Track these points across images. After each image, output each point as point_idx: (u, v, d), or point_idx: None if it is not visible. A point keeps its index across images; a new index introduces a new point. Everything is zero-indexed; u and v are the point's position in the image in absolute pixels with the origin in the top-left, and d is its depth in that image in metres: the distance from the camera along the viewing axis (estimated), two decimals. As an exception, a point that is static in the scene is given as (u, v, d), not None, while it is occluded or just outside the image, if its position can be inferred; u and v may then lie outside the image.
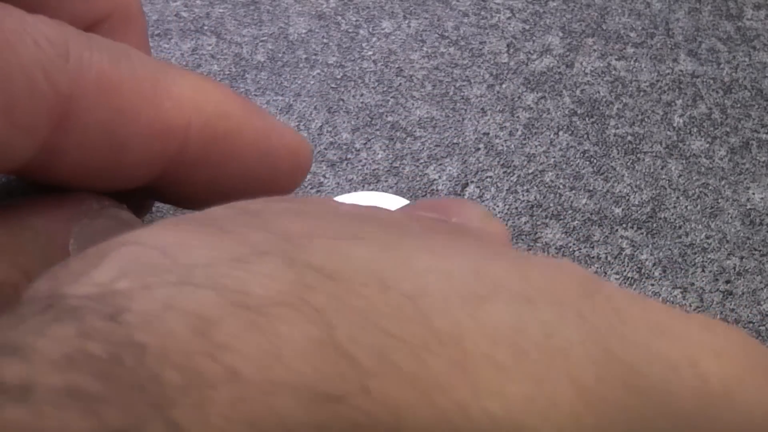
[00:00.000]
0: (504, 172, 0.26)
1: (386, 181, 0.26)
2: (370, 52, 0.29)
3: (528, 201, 0.26)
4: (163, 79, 0.17)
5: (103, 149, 0.16)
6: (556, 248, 0.25)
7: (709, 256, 0.25)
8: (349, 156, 0.27)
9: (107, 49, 0.16)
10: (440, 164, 0.26)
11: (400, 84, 0.28)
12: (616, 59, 0.29)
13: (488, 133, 0.27)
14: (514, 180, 0.26)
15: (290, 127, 0.21)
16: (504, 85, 0.28)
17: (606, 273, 0.25)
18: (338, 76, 0.28)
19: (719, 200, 0.26)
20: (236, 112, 0.19)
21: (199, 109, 0.18)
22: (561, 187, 0.26)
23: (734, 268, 0.25)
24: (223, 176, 0.19)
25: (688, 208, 0.26)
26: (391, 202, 0.25)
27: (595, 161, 0.27)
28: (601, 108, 0.28)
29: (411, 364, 0.11)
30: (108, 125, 0.16)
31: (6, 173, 0.18)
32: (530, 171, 0.26)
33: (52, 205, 0.17)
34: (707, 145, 0.27)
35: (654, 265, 0.25)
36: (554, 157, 0.27)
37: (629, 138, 0.27)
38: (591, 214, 0.26)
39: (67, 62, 0.15)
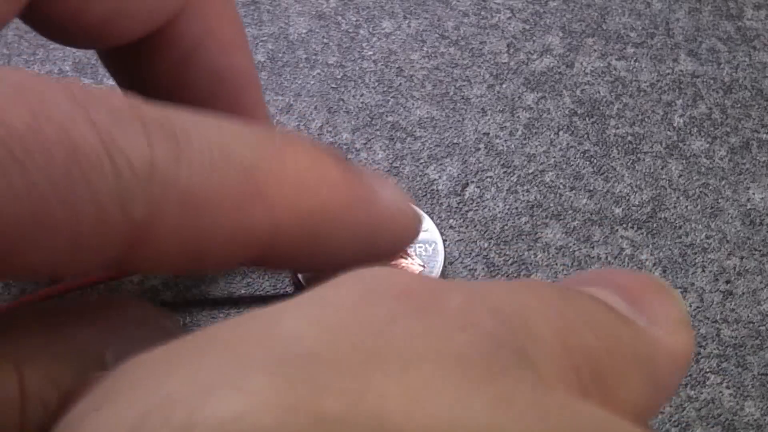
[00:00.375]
0: (504, 172, 0.26)
1: (386, 181, 0.26)
2: (370, 52, 0.29)
3: (528, 201, 0.26)
4: (258, 176, 0.16)
5: (178, 260, 0.15)
6: (556, 248, 0.25)
7: (709, 256, 0.25)
8: (349, 156, 0.27)
9: (199, 154, 0.15)
10: (440, 164, 0.26)
11: (400, 84, 0.28)
12: (616, 59, 0.29)
13: (488, 133, 0.27)
14: (514, 180, 0.26)
15: (398, 204, 0.19)
16: (504, 85, 0.28)
17: (606, 273, 0.25)
18: (338, 76, 0.28)
19: (719, 200, 0.26)
20: (337, 206, 0.17)
21: (293, 209, 0.16)
22: (561, 187, 0.26)
23: (734, 268, 0.25)
24: (320, 259, 0.18)
25: (688, 208, 0.26)
26: None
27: (595, 161, 0.27)
28: (601, 108, 0.28)
29: None
30: (186, 240, 0.15)
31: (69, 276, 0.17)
32: (530, 171, 0.26)
33: (94, 310, 0.16)
34: (707, 145, 0.27)
35: (654, 265, 0.25)
36: (554, 157, 0.27)
37: (629, 138, 0.27)
38: (591, 214, 0.26)
39: (149, 186, 0.14)
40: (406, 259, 0.24)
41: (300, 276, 0.24)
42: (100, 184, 0.13)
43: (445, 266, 0.24)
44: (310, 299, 0.12)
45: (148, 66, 0.20)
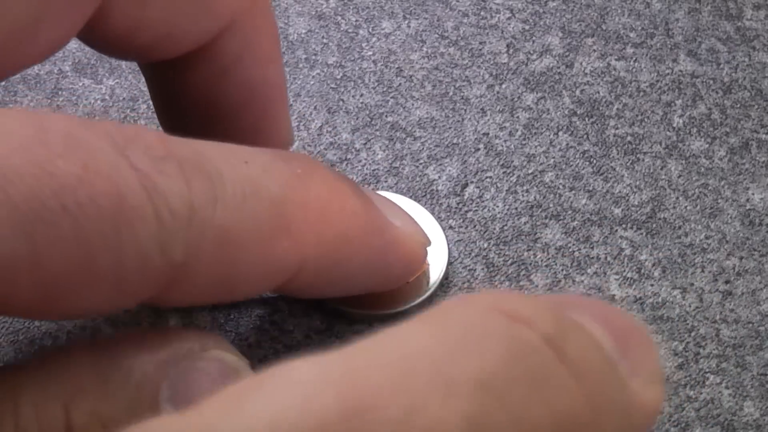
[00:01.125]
0: (504, 173, 0.26)
1: (386, 181, 0.26)
2: (370, 52, 0.29)
3: (528, 201, 0.26)
4: (286, 209, 0.16)
5: (210, 293, 0.16)
6: (555, 248, 0.25)
7: (708, 257, 0.25)
8: (349, 156, 0.27)
9: (232, 192, 0.15)
10: (440, 164, 0.26)
11: (400, 84, 0.28)
12: (615, 59, 0.29)
13: (488, 134, 0.27)
14: (514, 180, 0.26)
15: (409, 232, 0.20)
16: (504, 86, 0.28)
17: (606, 273, 0.25)
18: (338, 76, 0.28)
19: (719, 200, 0.26)
20: (357, 234, 0.18)
21: (317, 240, 0.17)
22: (561, 187, 0.26)
23: (734, 268, 0.25)
24: (336, 287, 0.19)
25: (688, 208, 0.26)
26: (393, 199, 0.25)
27: (594, 161, 0.27)
28: (600, 108, 0.28)
29: None
30: (220, 276, 0.15)
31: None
32: (530, 171, 0.26)
33: (150, 343, 0.16)
34: (707, 146, 0.27)
35: (654, 265, 0.25)
36: (554, 158, 0.27)
37: (629, 138, 0.27)
38: (591, 214, 0.26)
39: (188, 229, 0.14)
40: None
41: None
42: (143, 231, 0.14)
43: (447, 267, 0.24)
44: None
45: (187, 77, 0.20)
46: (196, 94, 0.20)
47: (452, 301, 0.12)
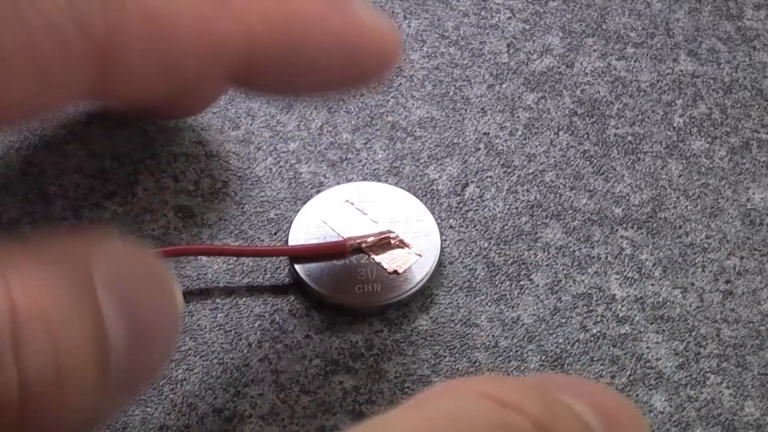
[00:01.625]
0: (504, 172, 0.26)
1: (386, 180, 0.26)
2: (370, 52, 0.29)
3: (528, 201, 0.26)
4: None
5: (154, 76, 0.15)
6: (556, 248, 0.25)
7: (709, 256, 0.25)
8: (349, 156, 0.27)
9: None
10: (440, 164, 0.26)
11: (400, 84, 0.28)
12: (616, 59, 0.29)
13: (488, 133, 0.27)
14: (514, 180, 0.26)
15: (373, 19, 0.18)
16: (504, 85, 0.28)
17: (606, 273, 0.25)
18: (338, 76, 0.28)
19: (719, 200, 0.26)
20: (309, 10, 0.17)
21: (263, 16, 0.16)
22: (561, 187, 0.26)
23: (734, 268, 0.25)
24: (304, 75, 0.17)
25: (688, 208, 0.26)
26: (393, 194, 0.25)
27: (595, 161, 0.27)
28: (601, 108, 0.28)
29: None
30: (157, 56, 0.14)
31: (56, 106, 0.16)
32: (530, 171, 0.26)
33: (74, 235, 0.15)
34: (707, 145, 0.27)
35: (654, 265, 0.25)
36: (554, 157, 0.27)
37: (629, 138, 0.27)
38: (591, 214, 0.26)
39: (105, 5, 0.14)
40: (402, 248, 0.24)
41: (298, 269, 0.24)
42: (52, 9, 0.13)
43: (442, 256, 0.24)
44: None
45: None
46: None
47: (440, 386, 0.12)
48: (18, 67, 0.13)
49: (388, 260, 0.24)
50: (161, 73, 0.15)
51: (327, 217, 0.25)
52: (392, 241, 0.24)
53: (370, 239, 0.24)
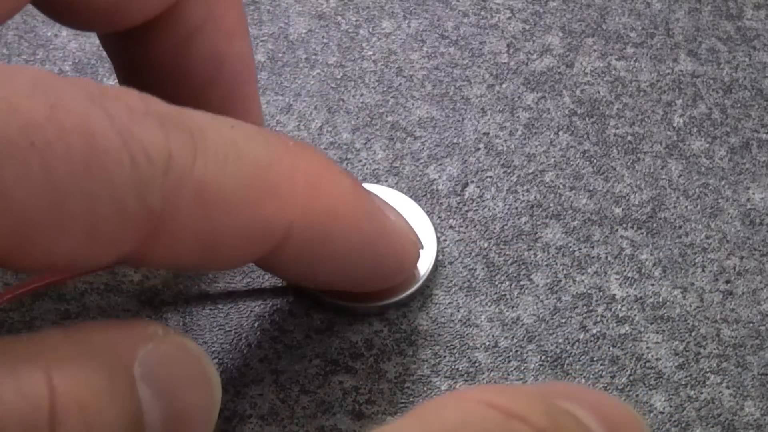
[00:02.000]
0: (504, 172, 0.26)
1: (386, 180, 0.26)
2: (370, 52, 0.29)
3: (528, 201, 0.26)
4: (272, 174, 0.16)
5: (192, 253, 0.15)
6: (556, 248, 0.25)
7: (709, 256, 0.25)
8: (349, 156, 0.27)
9: (214, 148, 0.15)
10: (440, 164, 0.26)
11: (400, 84, 0.28)
12: (616, 59, 0.29)
13: (488, 133, 0.27)
14: (514, 180, 0.26)
15: (402, 227, 0.19)
16: (504, 85, 0.28)
17: (606, 273, 0.25)
18: (338, 76, 0.28)
19: (719, 200, 0.26)
20: (347, 212, 0.18)
21: (305, 209, 0.17)
22: (561, 187, 0.26)
23: (734, 268, 0.25)
24: (325, 270, 0.18)
25: (688, 208, 0.26)
26: (390, 196, 0.25)
27: (595, 161, 0.27)
28: (601, 108, 0.28)
29: None
30: (200, 233, 0.15)
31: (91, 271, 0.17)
32: (530, 171, 0.26)
33: (118, 325, 0.16)
34: (707, 145, 0.27)
35: (654, 265, 0.25)
36: (554, 157, 0.27)
37: (629, 138, 0.27)
38: (591, 214, 0.26)
39: (166, 178, 0.14)
40: None
41: None
42: (117, 175, 0.13)
43: (439, 257, 0.24)
44: None
45: (149, 48, 0.19)
46: (159, 68, 0.20)
47: (444, 396, 0.13)
48: (75, 224, 0.14)
49: None
50: (202, 248, 0.16)
51: None
52: None
53: None
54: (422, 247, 0.22)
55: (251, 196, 0.16)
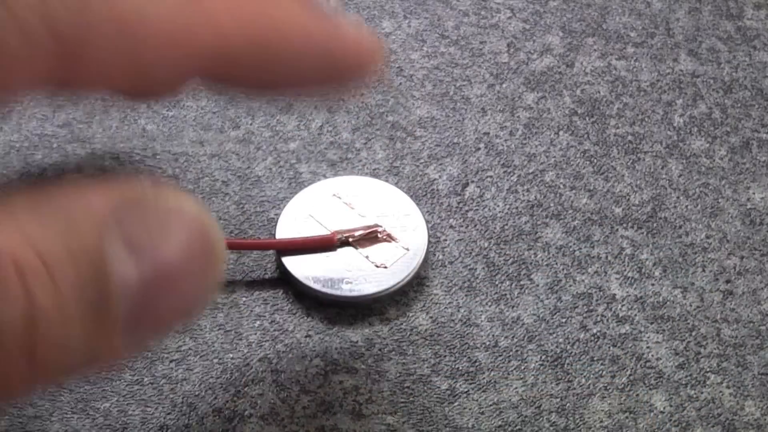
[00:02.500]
0: (504, 172, 0.26)
1: (386, 180, 0.26)
2: (370, 52, 0.29)
3: (528, 201, 0.26)
4: None
5: (120, 70, 0.15)
6: (556, 248, 0.25)
7: (709, 256, 0.25)
8: (349, 156, 0.27)
9: None
10: (440, 164, 0.26)
11: (401, 84, 0.28)
12: (616, 59, 0.29)
13: (488, 133, 0.27)
14: (515, 180, 0.26)
15: (354, 28, 0.18)
16: (504, 85, 0.28)
17: (606, 272, 0.25)
18: (338, 76, 0.28)
19: (719, 200, 0.26)
20: (281, 14, 0.17)
21: (234, 17, 0.16)
22: (561, 186, 0.26)
23: (734, 267, 0.25)
24: (276, 74, 0.18)
25: (689, 207, 0.26)
26: (381, 189, 0.25)
27: (595, 161, 0.27)
28: (601, 108, 0.28)
29: None
30: (122, 51, 0.15)
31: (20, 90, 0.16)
32: (530, 171, 0.26)
33: (96, 184, 0.15)
34: (707, 145, 0.27)
35: (654, 264, 0.25)
36: (554, 157, 0.27)
37: (629, 138, 0.27)
38: (591, 213, 0.26)
39: (72, 3, 0.14)
40: (390, 242, 0.24)
41: (285, 262, 0.24)
42: (19, 2, 0.14)
43: (428, 249, 0.24)
44: None
45: None
46: None
47: None
48: None
49: (375, 254, 0.24)
50: (127, 67, 0.15)
51: (314, 211, 0.25)
52: (380, 235, 0.24)
53: (357, 233, 0.24)
54: (382, 46, 0.21)
55: (169, 7, 0.15)
